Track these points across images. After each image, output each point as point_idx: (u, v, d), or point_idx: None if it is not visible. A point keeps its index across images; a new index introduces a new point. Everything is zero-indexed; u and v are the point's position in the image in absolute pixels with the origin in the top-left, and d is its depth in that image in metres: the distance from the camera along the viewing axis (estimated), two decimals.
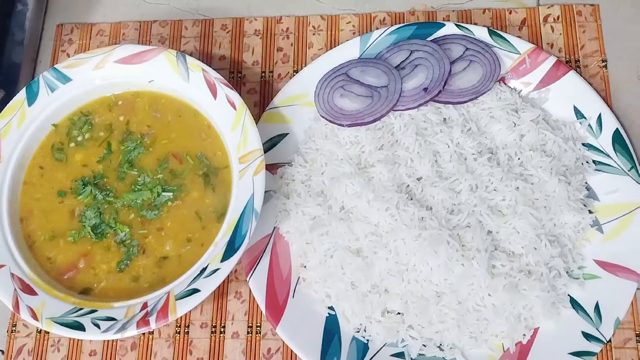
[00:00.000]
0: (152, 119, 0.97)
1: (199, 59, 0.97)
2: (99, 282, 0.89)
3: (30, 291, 0.86)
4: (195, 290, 0.83)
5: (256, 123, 0.94)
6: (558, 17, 1.06)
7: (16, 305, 0.85)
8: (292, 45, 1.09)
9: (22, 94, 0.97)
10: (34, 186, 0.95)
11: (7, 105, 0.96)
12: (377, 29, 1.04)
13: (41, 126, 0.97)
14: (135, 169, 0.94)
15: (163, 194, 0.92)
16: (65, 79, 0.97)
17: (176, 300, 0.83)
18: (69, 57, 1.11)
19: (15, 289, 0.86)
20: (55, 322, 0.84)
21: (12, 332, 0.97)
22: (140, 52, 0.97)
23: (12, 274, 0.87)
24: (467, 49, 0.98)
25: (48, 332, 0.96)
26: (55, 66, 0.98)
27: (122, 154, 0.95)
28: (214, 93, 0.94)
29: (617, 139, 0.93)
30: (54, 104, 0.97)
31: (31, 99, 0.96)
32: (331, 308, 0.90)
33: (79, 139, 0.97)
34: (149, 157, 0.95)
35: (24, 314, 0.85)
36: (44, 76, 0.97)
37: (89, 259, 0.90)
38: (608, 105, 0.96)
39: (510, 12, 1.07)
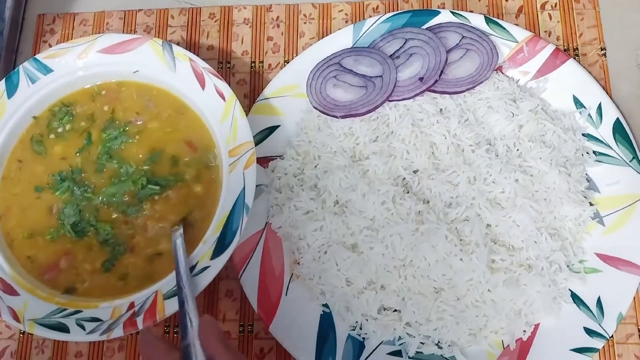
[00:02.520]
0: (142, 107, 0.93)
1: (186, 49, 0.94)
2: (83, 282, 0.85)
3: (11, 291, 0.83)
4: None
5: (246, 115, 0.90)
6: (556, 5, 1.03)
7: None
8: (282, 34, 1.06)
9: (1, 86, 0.93)
10: (12, 181, 0.91)
11: None
12: (370, 17, 1.01)
13: (22, 119, 0.92)
14: (114, 160, 0.89)
15: (149, 186, 0.88)
16: (47, 70, 0.93)
17: (164, 299, 0.80)
18: (50, 47, 1.07)
19: None
20: (37, 323, 0.80)
21: None
22: (125, 41, 0.93)
23: None
24: (463, 37, 0.95)
25: (32, 334, 0.92)
26: (36, 56, 0.94)
27: (101, 143, 0.91)
28: (202, 83, 0.90)
29: (618, 129, 0.91)
30: (35, 96, 0.93)
31: (11, 91, 0.92)
32: (326, 306, 0.87)
33: (59, 130, 0.93)
34: (134, 147, 0.91)
35: (5, 316, 0.81)
36: (24, 67, 0.93)
37: (70, 257, 0.86)
38: (608, 95, 0.94)
39: (506, 0, 1.04)
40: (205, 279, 0.80)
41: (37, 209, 0.89)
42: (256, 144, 0.90)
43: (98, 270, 0.85)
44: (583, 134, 0.92)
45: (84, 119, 0.93)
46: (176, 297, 0.78)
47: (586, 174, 0.90)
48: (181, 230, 0.84)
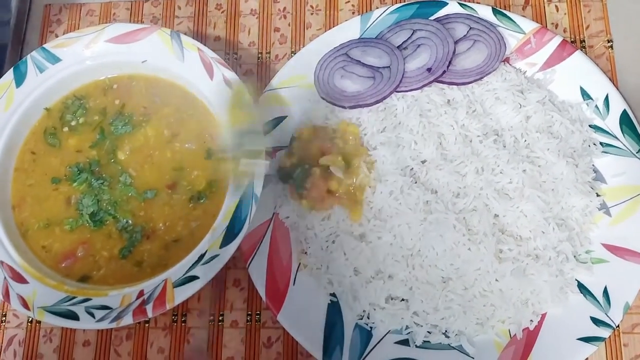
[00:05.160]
0: (149, 101, 0.93)
1: None
2: (99, 269, 0.86)
3: (20, 279, 0.83)
4: (194, 278, 0.80)
5: None
6: None
7: (6, 294, 0.82)
8: (289, 25, 1.06)
9: (9, 75, 0.93)
10: (25, 172, 0.91)
11: None
12: (378, 8, 1.01)
13: (31, 109, 0.93)
14: (119, 165, 0.90)
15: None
16: (55, 59, 0.93)
17: (174, 287, 0.80)
18: (57, 37, 1.07)
19: (5, 278, 0.83)
20: (47, 311, 0.81)
21: (1, 322, 0.93)
22: (133, 31, 0.93)
23: (2, 262, 0.84)
24: (471, 28, 0.96)
25: (39, 323, 0.93)
26: (44, 46, 0.94)
27: (109, 139, 0.91)
28: (211, 73, 0.90)
29: (625, 121, 0.91)
30: (44, 85, 0.93)
31: (19, 80, 0.93)
32: (333, 295, 0.87)
33: (73, 123, 0.93)
34: (138, 136, 0.92)
35: (15, 303, 0.81)
36: (33, 56, 0.93)
37: (87, 246, 0.87)
38: (615, 86, 0.94)
39: None
40: (215, 268, 0.80)
41: (54, 200, 0.89)
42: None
43: (115, 257, 0.86)
44: (590, 125, 0.92)
45: (96, 113, 0.94)
46: (186, 285, 0.79)
47: (593, 165, 0.90)
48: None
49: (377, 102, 0.92)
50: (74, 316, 0.80)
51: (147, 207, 0.88)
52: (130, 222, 0.87)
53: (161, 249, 0.85)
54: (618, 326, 0.85)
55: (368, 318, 0.86)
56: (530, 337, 0.84)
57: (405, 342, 0.85)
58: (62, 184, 0.90)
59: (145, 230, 0.87)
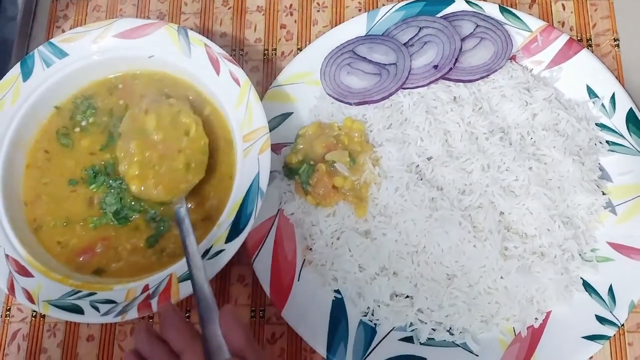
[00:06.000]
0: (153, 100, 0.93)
1: None
2: (118, 261, 0.86)
3: (25, 273, 0.83)
4: None
5: None
6: None
7: (11, 288, 0.82)
8: (295, 22, 1.06)
9: (16, 69, 0.93)
10: (40, 170, 0.91)
11: (1, 80, 0.92)
12: (384, 5, 1.01)
13: (38, 103, 0.92)
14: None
15: None
16: (62, 54, 0.93)
17: (179, 282, 0.80)
18: (64, 32, 1.07)
19: (10, 271, 0.83)
20: (52, 304, 0.80)
21: (6, 316, 0.93)
22: (140, 26, 0.93)
23: (7, 256, 0.84)
24: (477, 25, 0.96)
25: (44, 317, 0.93)
26: (51, 40, 0.94)
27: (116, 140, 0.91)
28: (217, 69, 0.90)
29: (631, 119, 0.91)
30: (50, 80, 0.93)
31: (26, 74, 0.92)
32: (338, 291, 0.87)
33: (83, 123, 0.94)
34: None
35: (20, 297, 0.81)
36: (40, 51, 0.93)
37: (108, 242, 0.87)
38: (621, 85, 0.93)
39: None
40: (220, 262, 0.80)
41: (74, 200, 0.90)
42: (269, 130, 0.90)
43: (139, 248, 0.86)
44: (596, 124, 0.92)
45: (105, 114, 0.94)
46: (190, 281, 0.78)
47: (599, 163, 0.90)
48: (185, 206, 0.82)
49: (383, 98, 0.92)
50: (78, 310, 0.80)
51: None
52: (158, 212, 0.88)
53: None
54: (623, 325, 0.85)
55: (372, 315, 0.86)
56: (535, 335, 0.83)
57: (409, 339, 0.85)
58: (80, 186, 0.90)
59: (172, 217, 0.87)
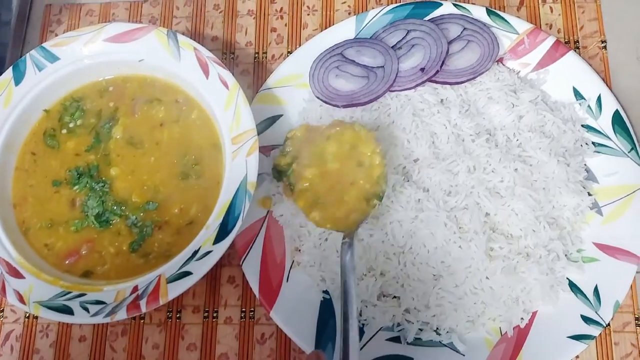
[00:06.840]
0: (143, 103, 0.95)
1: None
2: (103, 265, 0.87)
3: (17, 274, 0.84)
4: (187, 273, 0.81)
5: (249, 104, 0.91)
6: None
7: (2, 289, 0.83)
8: (286, 25, 1.07)
9: (8, 73, 0.94)
10: (27, 172, 0.93)
11: None
12: (373, 8, 1.02)
13: (29, 107, 0.94)
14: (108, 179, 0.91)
15: None
16: (54, 58, 0.94)
17: (167, 283, 0.81)
18: (56, 37, 1.08)
19: (1, 272, 0.84)
20: (42, 305, 0.82)
21: None
22: (131, 30, 0.94)
23: None
24: (464, 28, 0.96)
25: (36, 318, 0.94)
26: (43, 45, 0.95)
27: (104, 143, 0.93)
28: (206, 72, 0.91)
29: (617, 120, 0.91)
30: (42, 84, 0.94)
31: (18, 78, 0.94)
32: (326, 292, 0.88)
33: (71, 125, 0.95)
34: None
35: (11, 298, 0.83)
36: (32, 55, 0.95)
37: (93, 245, 0.88)
38: (607, 87, 0.94)
39: None
40: (208, 263, 0.81)
41: (57, 202, 0.91)
42: (259, 133, 0.91)
43: (123, 252, 0.87)
44: (582, 125, 0.93)
45: (93, 116, 0.95)
46: (179, 281, 0.80)
47: (585, 165, 0.91)
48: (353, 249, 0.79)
49: (370, 101, 0.93)
50: (69, 311, 0.81)
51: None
52: (138, 217, 0.88)
53: (173, 235, 0.87)
54: (608, 324, 0.85)
55: (360, 315, 0.87)
56: (521, 334, 0.84)
57: (396, 339, 0.85)
58: (63, 187, 0.92)
59: (156, 222, 0.88)
